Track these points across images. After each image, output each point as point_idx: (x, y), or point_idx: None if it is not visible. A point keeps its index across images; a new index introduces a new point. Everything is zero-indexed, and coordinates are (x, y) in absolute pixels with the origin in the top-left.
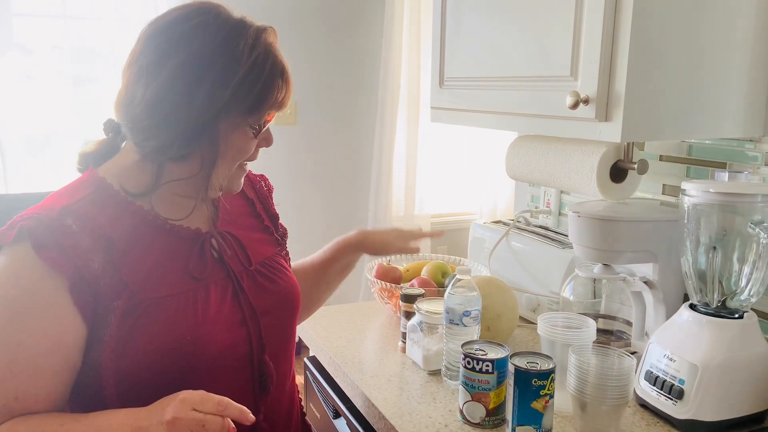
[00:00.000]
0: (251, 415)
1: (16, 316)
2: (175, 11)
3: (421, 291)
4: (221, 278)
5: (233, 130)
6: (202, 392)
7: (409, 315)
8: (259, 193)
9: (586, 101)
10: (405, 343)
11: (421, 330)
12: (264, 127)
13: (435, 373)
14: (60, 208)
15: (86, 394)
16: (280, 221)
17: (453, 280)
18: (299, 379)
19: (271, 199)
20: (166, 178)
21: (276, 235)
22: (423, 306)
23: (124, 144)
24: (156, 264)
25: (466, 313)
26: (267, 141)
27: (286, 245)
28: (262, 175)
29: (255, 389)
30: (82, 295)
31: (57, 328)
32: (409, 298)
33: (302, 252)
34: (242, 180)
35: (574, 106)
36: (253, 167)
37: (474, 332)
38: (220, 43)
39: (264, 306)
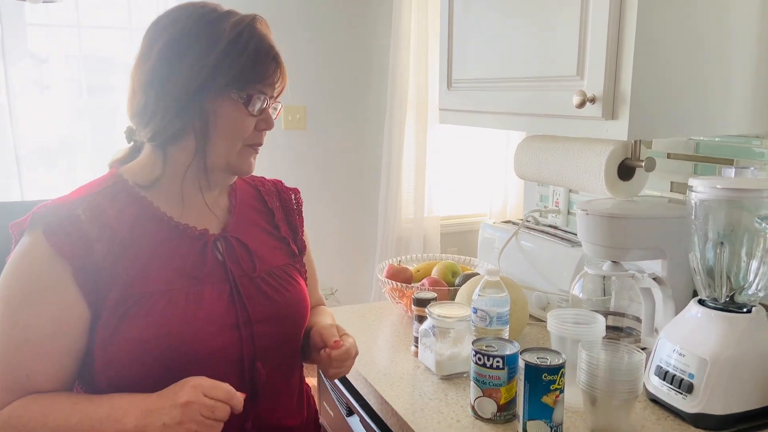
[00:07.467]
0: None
1: (26, 299)
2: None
3: (434, 295)
4: (219, 280)
5: (219, 101)
6: (211, 380)
7: (421, 319)
8: (284, 204)
9: (592, 100)
10: (417, 347)
11: (434, 334)
12: (256, 102)
13: (448, 378)
14: (75, 198)
15: (83, 380)
16: (303, 236)
17: (481, 283)
18: (312, 381)
19: (297, 213)
20: (172, 164)
21: (292, 246)
22: (435, 310)
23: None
24: (152, 258)
25: (500, 315)
26: (266, 122)
27: (303, 259)
28: (295, 189)
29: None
30: (86, 282)
31: (63, 311)
32: (422, 302)
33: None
34: (252, 161)
35: (581, 105)
36: (264, 172)
37: (506, 332)
38: (205, 24)
39: (261, 313)
